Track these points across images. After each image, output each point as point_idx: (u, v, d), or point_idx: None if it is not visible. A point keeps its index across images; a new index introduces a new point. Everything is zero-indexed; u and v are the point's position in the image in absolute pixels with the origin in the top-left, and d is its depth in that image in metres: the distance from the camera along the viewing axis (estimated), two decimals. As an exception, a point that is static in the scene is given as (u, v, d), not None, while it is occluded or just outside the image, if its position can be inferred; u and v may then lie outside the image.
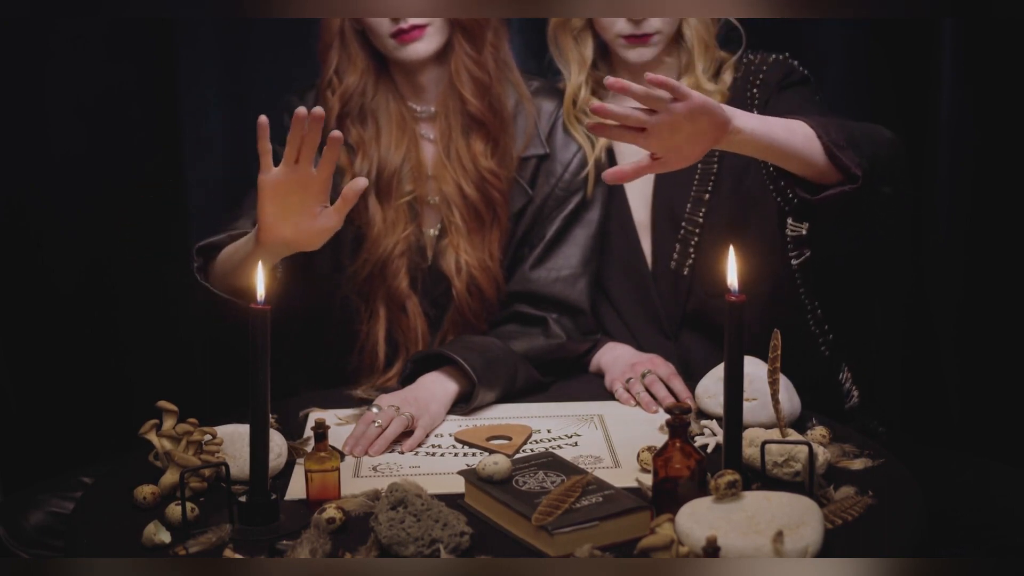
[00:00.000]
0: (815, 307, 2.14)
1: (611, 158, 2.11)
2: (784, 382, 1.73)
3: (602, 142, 2.08)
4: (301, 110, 1.62)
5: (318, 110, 1.63)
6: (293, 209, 1.68)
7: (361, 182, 1.66)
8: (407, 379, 1.93)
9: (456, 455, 1.73)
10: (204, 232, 1.92)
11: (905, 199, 1.89)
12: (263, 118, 1.63)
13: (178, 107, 2.39)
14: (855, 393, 2.17)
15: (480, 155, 2.03)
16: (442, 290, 2.08)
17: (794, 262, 2.08)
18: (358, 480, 1.64)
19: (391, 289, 2.06)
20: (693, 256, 2.07)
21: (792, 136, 1.68)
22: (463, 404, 1.90)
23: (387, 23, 1.96)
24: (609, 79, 1.53)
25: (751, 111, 2.02)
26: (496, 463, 1.50)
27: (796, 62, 2.06)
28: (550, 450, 1.69)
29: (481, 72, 2.01)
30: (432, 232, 2.08)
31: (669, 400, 1.89)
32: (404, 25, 1.95)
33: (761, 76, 2.04)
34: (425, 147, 2.08)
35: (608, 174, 1.62)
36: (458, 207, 2.04)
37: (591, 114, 1.58)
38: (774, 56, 2.06)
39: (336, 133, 1.64)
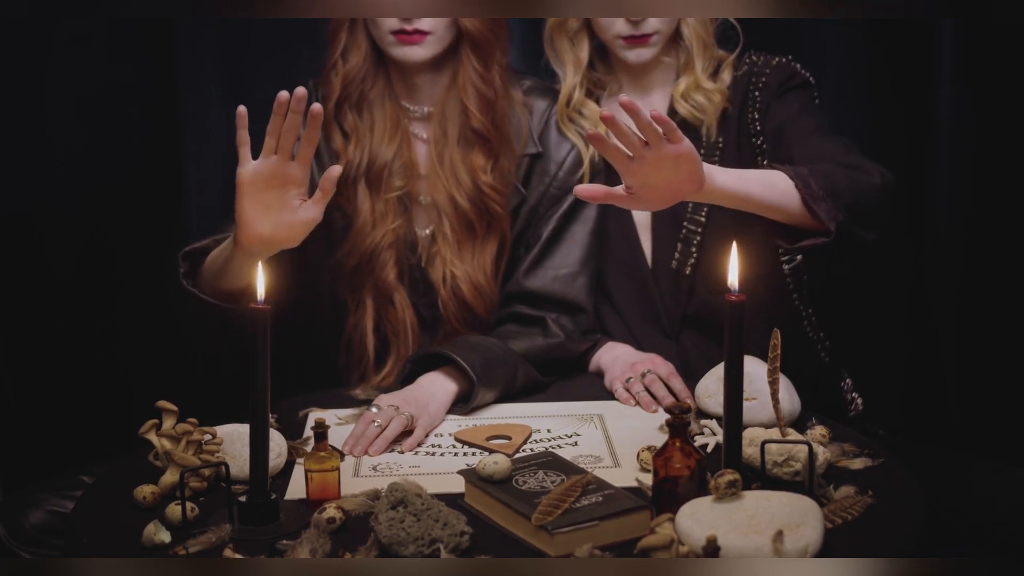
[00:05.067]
0: (809, 314, 2.14)
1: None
2: (784, 382, 1.73)
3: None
4: (283, 94, 1.60)
5: (301, 91, 1.60)
6: (271, 205, 1.66)
7: (335, 169, 1.63)
8: (406, 379, 1.93)
9: (456, 455, 1.73)
10: (204, 231, 1.92)
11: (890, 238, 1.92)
12: (242, 108, 1.61)
13: (178, 107, 2.39)
14: (859, 401, 2.16)
15: (480, 170, 2.01)
16: (431, 297, 2.07)
17: (786, 267, 2.08)
18: (358, 480, 1.64)
19: (378, 280, 2.05)
20: (695, 256, 2.07)
21: (770, 191, 1.71)
22: (463, 404, 1.89)
23: (393, 19, 1.95)
24: (623, 98, 1.51)
25: (752, 114, 2.02)
26: (496, 463, 1.50)
27: (799, 65, 2.06)
28: (550, 450, 1.69)
29: (487, 88, 2.00)
30: (425, 232, 2.07)
31: (669, 400, 1.89)
32: (408, 27, 1.94)
33: (764, 79, 2.04)
34: (418, 146, 2.07)
35: (580, 189, 1.62)
36: (448, 216, 2.03)
37: (599, 122, 1.55)
38: (777, 59, 2.06)
39: (317, 106, 1.60)
